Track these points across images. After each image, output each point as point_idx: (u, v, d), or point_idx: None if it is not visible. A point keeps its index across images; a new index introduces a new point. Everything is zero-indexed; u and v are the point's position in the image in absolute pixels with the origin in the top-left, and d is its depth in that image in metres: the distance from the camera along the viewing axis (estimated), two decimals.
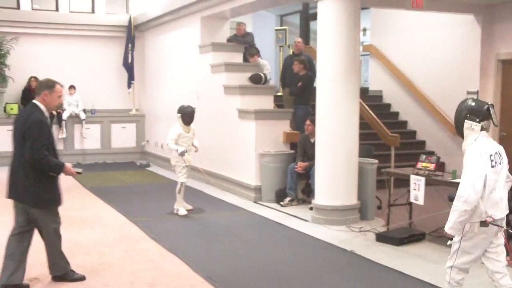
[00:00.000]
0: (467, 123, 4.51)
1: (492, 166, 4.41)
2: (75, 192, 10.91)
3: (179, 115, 8.97)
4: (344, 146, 8.33)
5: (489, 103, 4.55)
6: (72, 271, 5.93)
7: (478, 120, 4.47)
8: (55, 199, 5.65)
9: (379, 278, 6.09)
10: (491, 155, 4.43)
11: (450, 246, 4.68)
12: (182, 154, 8.79)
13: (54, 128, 14.95)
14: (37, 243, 7.32)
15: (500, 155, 4.54)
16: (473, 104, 4.54)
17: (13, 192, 5.56)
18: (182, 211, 8.97)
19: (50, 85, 5.58)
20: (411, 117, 13.25)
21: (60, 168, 5.54)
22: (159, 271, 6.22)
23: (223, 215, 9.14)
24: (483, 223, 4.39)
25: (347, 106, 8.32)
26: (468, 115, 4.50)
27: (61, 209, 8.98)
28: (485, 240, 4.52)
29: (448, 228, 4.49)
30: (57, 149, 5.71)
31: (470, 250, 4.54)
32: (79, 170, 5.78)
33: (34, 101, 5.56)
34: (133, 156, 15.99)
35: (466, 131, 4.53)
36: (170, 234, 7.84)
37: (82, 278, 5.91)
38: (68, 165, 5.63)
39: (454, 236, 4.56)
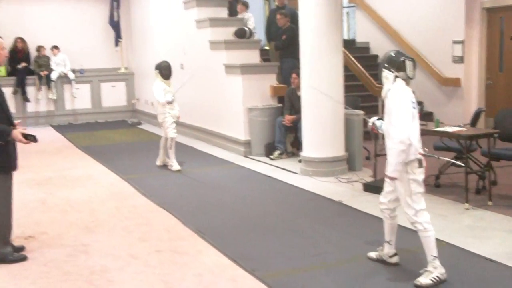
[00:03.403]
0: (384, 72, 4.74)
1: (414, 108, 4.62)
2: (67, 152, 11.00)
3: (157, 71, 9.12)
4: (329, 99, 8.37)
5: (410, 58, 4.74)
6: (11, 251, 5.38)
7: (392, 70, 4.69)
8: (3, 165, 5.20)
9: (365, 226, 6.20)
10: (412, 97, 4.65)
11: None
12: (172, 101, 8.98)
13: (44, 89, 15.02)
14: (29, 203, 7.47)
15: (415, 102, 4.71)
16: (392, 55, 4.77)
17: None
18: (176, 166, 9.08)
19: None
20: None
21: (5, 134, 5.06)
22: (149, 226, 6.34)
23: (213, 169, 9.26)
24: (420, 163, 4.61)
25: (331, 58, 8.32)
26: (386, 65, 4.73)
27: (53, 169, 9.18)
28: (423, 174, 4.69)
29: (391, 172, 4.65)
30: (10, 113, 5.26)
31: (420, 188, 4.68)
32: (32, 137, 5.14)
33: None
34: (124, 115, 16.05)
35: (383, 79, 4.77)
36: (161, 190, 7.95)
37: (23, 259, 5.34)
38: (16, 131, 5.09)
39: (396, 179, 4.66)
